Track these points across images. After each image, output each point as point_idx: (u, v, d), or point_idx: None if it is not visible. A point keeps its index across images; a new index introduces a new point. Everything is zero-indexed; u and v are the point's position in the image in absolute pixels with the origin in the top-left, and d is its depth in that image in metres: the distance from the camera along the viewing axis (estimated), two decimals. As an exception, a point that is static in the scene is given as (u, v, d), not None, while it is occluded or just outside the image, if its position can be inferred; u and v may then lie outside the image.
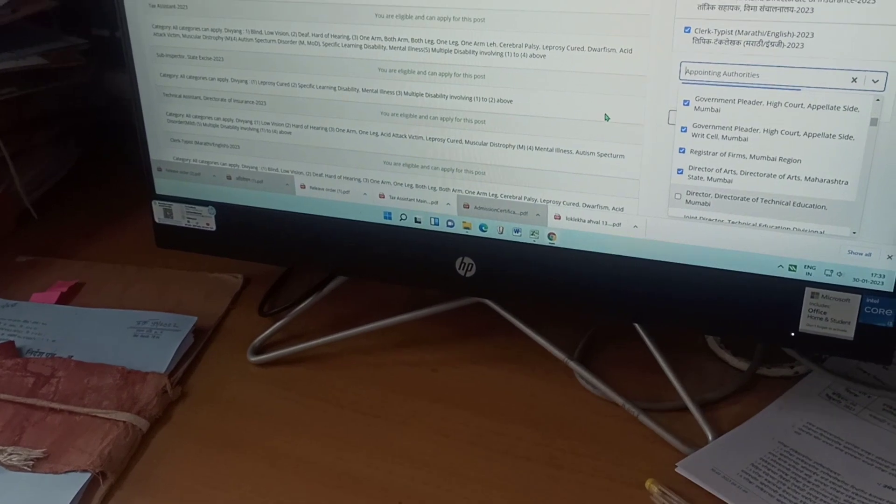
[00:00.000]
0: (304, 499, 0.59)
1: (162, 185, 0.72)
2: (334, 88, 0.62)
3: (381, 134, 0.63)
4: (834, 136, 0.51)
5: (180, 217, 0.72)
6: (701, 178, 0.55)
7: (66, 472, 0.62)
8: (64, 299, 0.82)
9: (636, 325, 0.65)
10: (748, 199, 0.54)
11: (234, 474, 0.62)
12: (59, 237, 0.94)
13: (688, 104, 0.54)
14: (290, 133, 0.65)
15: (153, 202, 0.73)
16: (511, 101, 0.58)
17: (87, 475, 0.61)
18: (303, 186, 0.67)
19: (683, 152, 0.55)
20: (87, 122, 1.05)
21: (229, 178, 0.69)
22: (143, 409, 0.67)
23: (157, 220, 0.73)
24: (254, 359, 0.73)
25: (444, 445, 0.63)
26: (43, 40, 0.93)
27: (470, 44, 0.57)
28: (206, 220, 0.71)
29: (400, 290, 0.74)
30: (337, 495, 0.59)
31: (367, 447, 0.63)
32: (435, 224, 0.64)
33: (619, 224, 0.58)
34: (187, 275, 0.85)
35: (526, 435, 0.63)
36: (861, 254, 0.53)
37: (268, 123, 0.66)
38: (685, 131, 0.54)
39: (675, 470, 0.57)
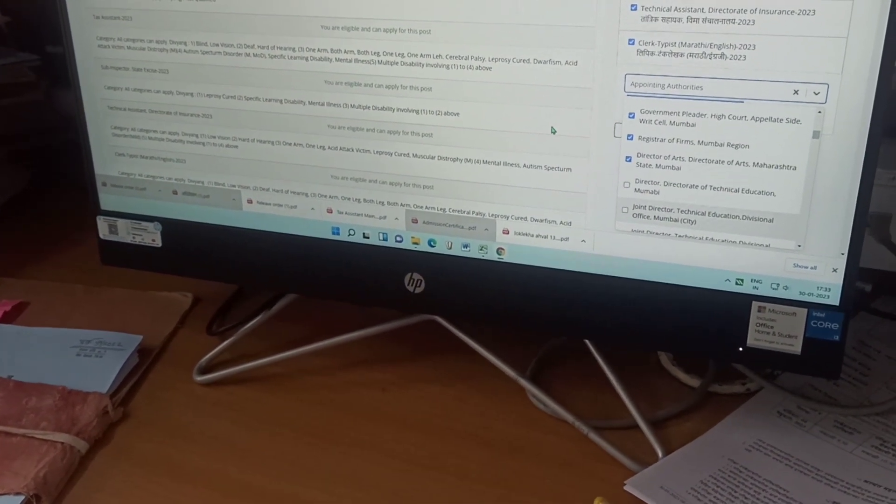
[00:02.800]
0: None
1: (107, 200, 0.70)
2: (280, 101, 0.62)
3: (328, 147, 0.62)
4: (777, 149, 0.51)
5: (125, 233, 0.71)
6: (647, 191, 0.55)
7: (-2, 494, 0.60)
8: (7, 319, 0.80)
9: (587, 342, 0.64)
10: (695, 212, 0.54)
11: (176, 499, 0.60)
12: (4, 257, 0.92)
13: (633, 117, 0.53)
14: (236, 147, 0.64)
15: (98, 218, 0.71)
16: (458, 114, 0.58)
17: (21, 498, 0.59)
18: (249, 201, 0.66)
19: (630, 164, 0.54)
20: (37, 143, 1.03)
21: (175, 192, 0.68)
22: (83, 430, 0.65)
23: (101, 237, 0.72)
24: (200, 378, 0.71)
25: (393, 468, 0.61)
26: (-8, 56, 0.92)
27: (416, 56, 0.57)
28: (151, 236, 0.70)
29: (350, 309, 0.73)
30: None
31: (314, 470, 0.61)
32: (383, 239, 0.63)
33: (567, 238, 0.58)
34: (135, 294, 0.83)
35: (477, 455, 0.62)
36: (806, 267, 0.53)
37: (214, 137, 0.65)
38: (631, 144, 0.54)
39: (624, 488, 0.56)
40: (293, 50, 0.60)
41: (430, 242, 0.62)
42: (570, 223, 0.57)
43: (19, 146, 1.00)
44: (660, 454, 0.60)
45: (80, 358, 0.73)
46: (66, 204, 1.02)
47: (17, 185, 1.00)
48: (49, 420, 0.66)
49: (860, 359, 0.67)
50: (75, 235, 0.94)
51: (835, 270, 0.52)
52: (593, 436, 0.61)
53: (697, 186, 0.53)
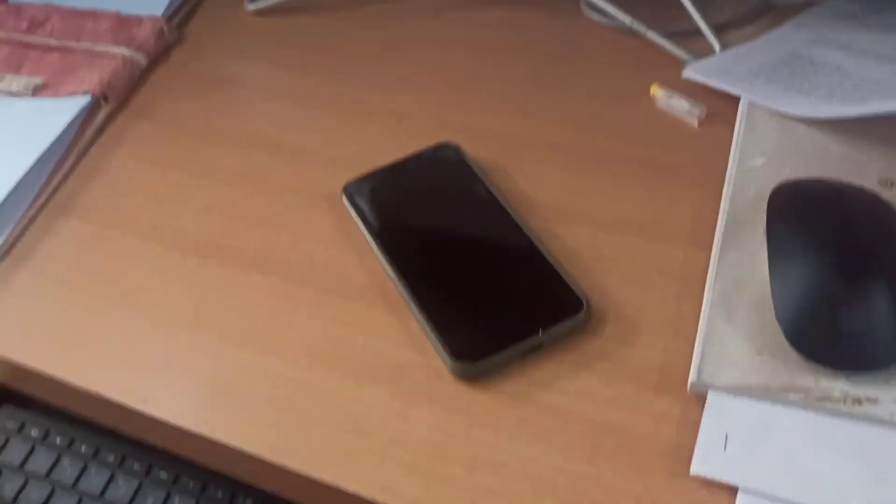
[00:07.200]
0: (305, 117, 0.60)
1: None
2: None
3: None
4: None
5: None
6: None
7: (66, 95, 0.61)
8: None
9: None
10: None
11: (234, 104, 0.61)
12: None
13: None
14: None
15: None
16: None
17: (88, 98, 0.61)
18: None
19: None
20: None
21: None
22: (141, 45, 0.66)
23: None
24: (252, 7, 0.70)
25: (440, 80, 0.61)
26: None
27: None
28: None
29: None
30: (351, 121, 0.59)
31: (367, 78, 0.62)
32: None
33: None
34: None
35: (527, 64, 0.62)
36: None
37: None
38: None
39: (683, 74, 0.56)
40: None
41: None
42: None
43: None
44: (718, 51, 0.59)
45: (131, -13, 0.72)
46: None
47: None
48: (107, 38, 0.66)
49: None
50: None
51: None
52: (651, 34, 0.60)
53: None
